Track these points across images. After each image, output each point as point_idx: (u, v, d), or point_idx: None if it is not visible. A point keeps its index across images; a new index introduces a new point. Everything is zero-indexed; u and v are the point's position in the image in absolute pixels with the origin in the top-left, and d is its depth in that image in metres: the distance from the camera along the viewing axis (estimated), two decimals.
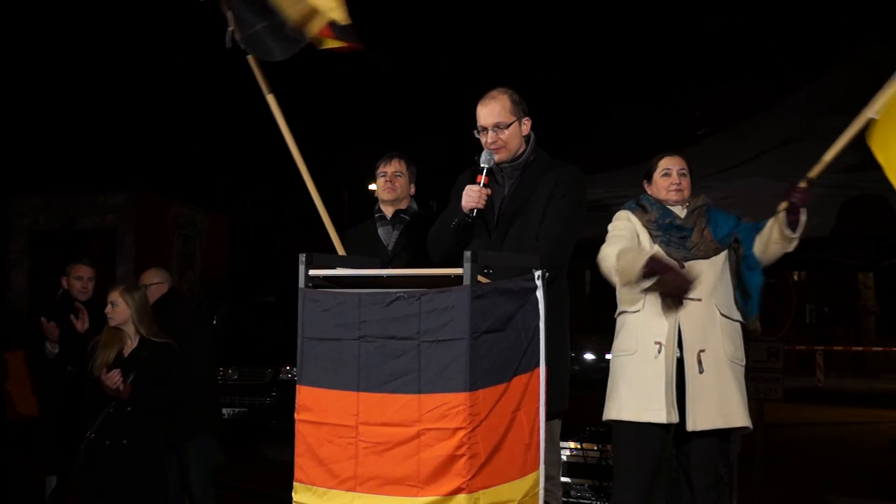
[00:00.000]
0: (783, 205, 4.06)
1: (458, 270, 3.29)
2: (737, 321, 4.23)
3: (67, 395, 5.88)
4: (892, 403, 18.06)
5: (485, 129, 4.06)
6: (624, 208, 4.39)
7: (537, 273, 3.52)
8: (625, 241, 4.22)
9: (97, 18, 19.59)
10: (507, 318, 3.39)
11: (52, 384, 6.15)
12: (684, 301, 4.06)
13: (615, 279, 4.16)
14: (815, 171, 4.10)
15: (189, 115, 21.11)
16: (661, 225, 4.26)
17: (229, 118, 22.28)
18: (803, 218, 4.04)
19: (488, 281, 3.36)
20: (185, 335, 5.93)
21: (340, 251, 4.57)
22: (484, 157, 3.99)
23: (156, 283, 6.14)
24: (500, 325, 3.36)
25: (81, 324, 6.03)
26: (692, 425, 4.07)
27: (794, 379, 19.23)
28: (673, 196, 4.30)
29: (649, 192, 4.40)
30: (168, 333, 5.53)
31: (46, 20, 19.48)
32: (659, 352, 4.12)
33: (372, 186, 5.67)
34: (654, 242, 4.24)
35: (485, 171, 3.96)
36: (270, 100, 4.73)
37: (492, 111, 4.06)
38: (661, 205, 4.33)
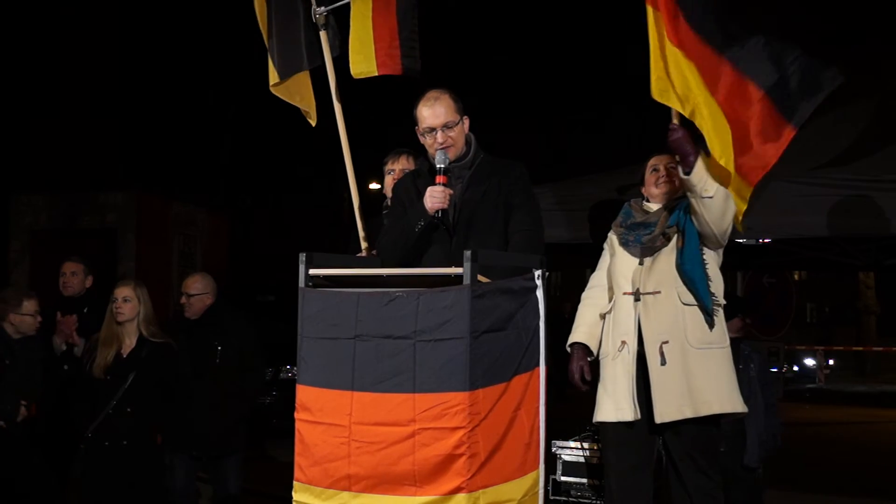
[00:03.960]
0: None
1: (458, 270, 3.29)
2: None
3: (67, 394, 5.87)
4: (892, 403, 18.05)
5: (432, 129, 4.04)
6: (612, 228, 4.48)
7: (537, 273, 3.52)
8: (600, 271, 4.42)
9: (97, 18, 19.58)
10: (507, 317, 3.39)
11: (52, 383, 6.14)
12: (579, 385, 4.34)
13: None
14: (675, 117, 4.06)
15: (190, 115, 21.11)
16: (626, 227, 4.35)
17: (230, 118, 22.28)
18: (692, 159, 3.97)
19: (488, 280, 3.35)
20: (252, 351, 5.84)
21: (366, 250, 4.56)
22: (439, 157, 3.98)
23: (196, 293, 5.78)
24: (501, 325, 3.36)
25: (67, 326, 5.95)
26: (659, 417, 4.07)
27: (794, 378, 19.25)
28: (663, 188, 4.34)
29: (644, 193, 4.45)
30: (171, 338, 5.51)
31: (46, 19, 19.47)
32: (621, 350, 4.17)
33: (373, 185, 5.65)
34: (619, 244, 4.34)
35: (441, 170, 3.96)
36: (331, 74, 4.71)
37: (439, 112, 4.04)
38: (627, 207, 4.43)
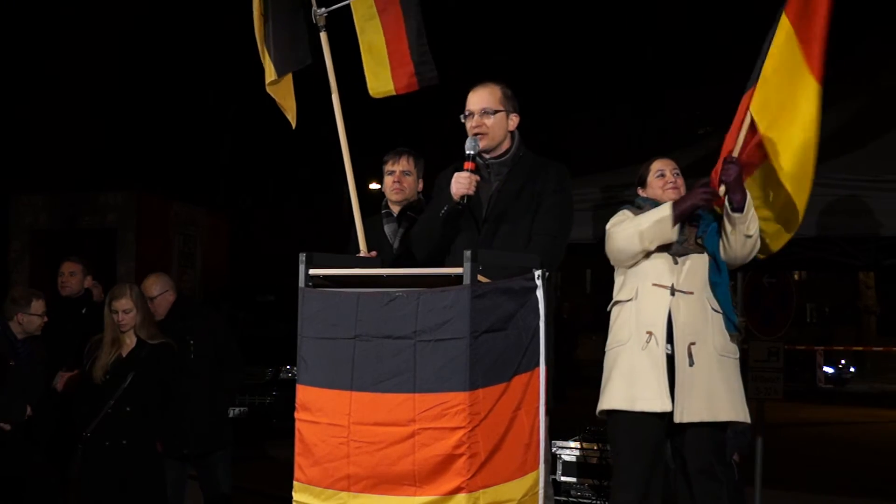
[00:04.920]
0: (721, 189, 4.10)
1: (458, 270, 3.28)
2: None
3: (68, 395, 5.87)
4: (892, 403, 18.07)
5: (471, 113, 4.05)
6: (621, 209, 4.44)
7: (538, 272, 3.52)
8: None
9: (97, 18, 19.58)
10: (507, 317, 3.39)
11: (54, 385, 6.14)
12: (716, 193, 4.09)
13: (639, 246, 4.17)
14: (736, 150, 4.13)
15: (190, 115, 21.11)
16: None
17: (230, 118, 22.28)
18: (741, 196, 4.05)
19: (488, 280, 3.35)
20: (226, 341, 5.80)
21: (364, 250, 4.56)
22: (469, 143, 3.98)
23: (158, 294, 5.73)
24: (501, 325, 3.36)
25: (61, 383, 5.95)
26: (679, 417, 4.08)
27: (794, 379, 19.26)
28: (670, 195, 4.32)
29: (643, 195, 4.43)
30: (173, 337, 5.51)
31: (46, 19, 19.47)
32: (648, 341, 4.13)
33: (373, 185, 5.63)
34: None
35: (470, 157, 3.96)
36: (332, 82, 4.73)
37: (481, 97, 4.05)
38: (654, 202, 4.36)
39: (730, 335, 4.20)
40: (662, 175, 4.37)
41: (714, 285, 4.18)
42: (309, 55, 4.78)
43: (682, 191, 4.37)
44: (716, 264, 4.19)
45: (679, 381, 4.09)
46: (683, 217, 4.13)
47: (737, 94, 4.21)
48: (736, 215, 4.05)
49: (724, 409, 4.13)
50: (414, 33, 4.67)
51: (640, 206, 4.38)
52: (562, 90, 22.49)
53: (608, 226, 4.33)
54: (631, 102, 22.55)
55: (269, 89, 4.82)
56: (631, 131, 21.99)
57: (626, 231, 4.21)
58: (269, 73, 4.79)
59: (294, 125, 4.91)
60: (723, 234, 4.14)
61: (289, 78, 4.88)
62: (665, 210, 4.14)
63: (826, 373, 22.28)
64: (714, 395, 4.11)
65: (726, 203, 4.07)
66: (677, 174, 4.38)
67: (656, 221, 4.13)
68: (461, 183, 3.90)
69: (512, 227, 3.99)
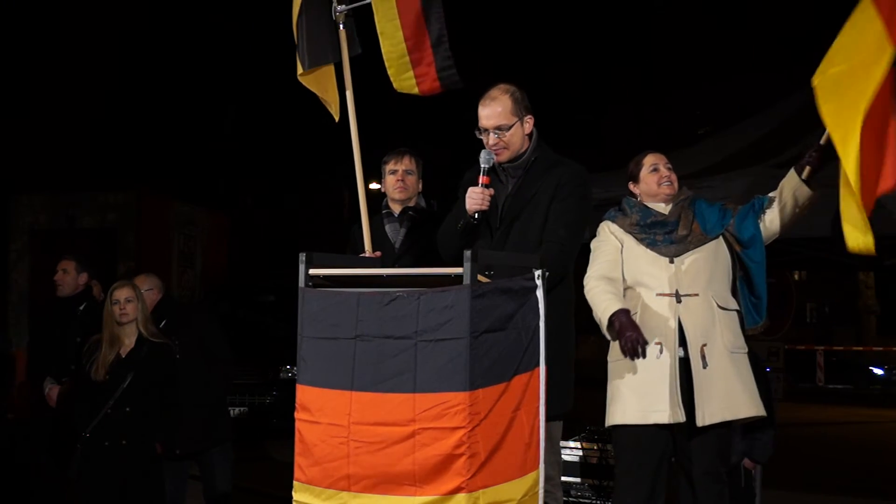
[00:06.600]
0: (807, 170, 4.12)
1: (458, 270, 3.28)
2: (733, 310, 4.22)
3: (70, 394, 5.88)
4: (892, 403, 18.07)
5: (486, 130, 4.04)
6: (605, 218, 4.40)
7: (537, 272, 3.52)
8: (605, 262, 4.27)
9: (98, 17, 19.59)
10: (507, 317, 3.39)
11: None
12: (636, 356, 4.05)
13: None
14: (824, 138, 4.07)
15: (190, 114, 21.12)
16: (644, 225, 4.27)
17: (231, 118, 22.28)
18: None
19: (488, 280, 3.35)
20: (215, 340, 5.83)
21: (369, 250, 4.56)
22: (483, 156, 3.96)
23: (146, 289, 5.77)
24: (500, 325, 3.36)
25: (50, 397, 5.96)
26: (701, 420, 4.06)
27: (794, 379, 19.30)
28: (665, 190, 4.30)
29: (637, 192, 4.39)
30: (170, 337, 5.51)
31: (47, 18, 19.48)
32: (661, 351, 4.11)
33: (373, 185, 5.62)
34: (640, 244, 4.25)
35: (485, 171, 3.95)
36: (346, 70, 4.73)
37: (493, 113, 4.02)
38: (641, 205, 4.34)
39: (738, 329, 4.20)
40: (656, 170, 4.34)
41: (755, 273, 4.19)
42: (339, 52, 4.78)
43: (676, 185, 4.35)
44: (749, 249, 4.18)
45: (697, 384, 4.07)
46: (612, 330, 4.11)
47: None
48: (807, 187, 4.13)
49: (744, 405, 4.12)
50: (436, 37, 4.69)
51: (626, 211, 4.36)
52: (560, 91, 22.51)
53: (590, 263, 4.32)
54: (631, 102, 22.57)
55: (304, 81, 4.77)
56: (631, 131, 21.99)
57: (588, 293, 4.24)
58: (298, 65, 4.76)
59: (337, 118, 4.88)
60: (785, 199, 4.14)
61: (331, 71, 4.85)
62: (606, 316, 4.11)
63: (875, 374, 22.47)
64: (732, 393, 4.10)
65: (804, 183, 4.11)
66: (670, 168, 4.36)
67: (599, 316, 4.16)
68: (474, 199, 3.92)
69: (523, 230, 4.00)
